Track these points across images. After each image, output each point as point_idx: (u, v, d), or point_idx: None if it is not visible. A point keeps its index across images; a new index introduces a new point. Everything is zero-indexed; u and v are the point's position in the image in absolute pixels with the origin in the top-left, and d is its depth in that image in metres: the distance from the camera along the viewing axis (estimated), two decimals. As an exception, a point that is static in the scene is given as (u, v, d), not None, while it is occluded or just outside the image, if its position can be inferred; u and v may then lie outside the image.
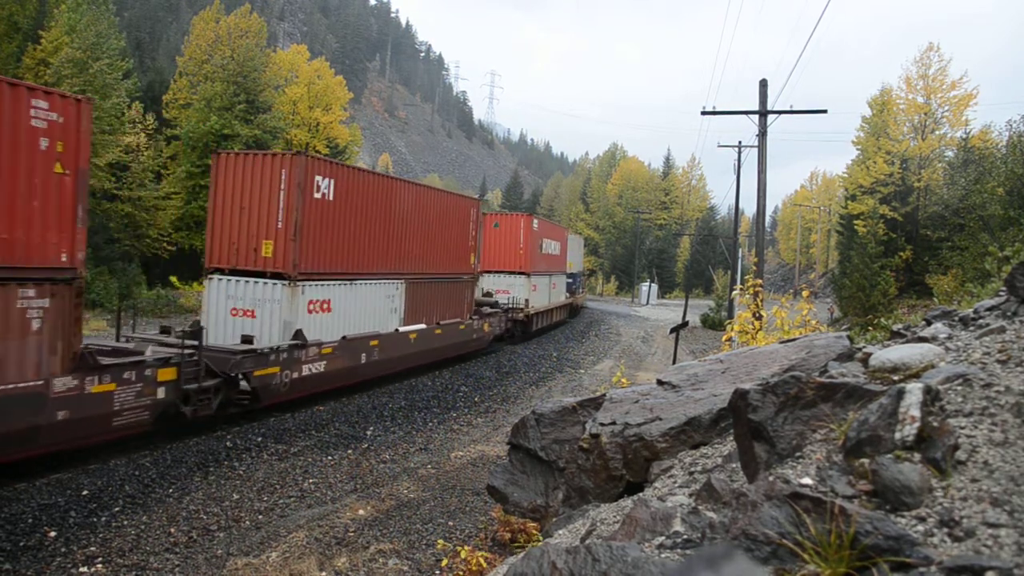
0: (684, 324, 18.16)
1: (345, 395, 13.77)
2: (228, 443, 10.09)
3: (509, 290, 23.80)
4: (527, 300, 24.00)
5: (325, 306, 12.98)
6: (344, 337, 13.23)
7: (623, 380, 10.84)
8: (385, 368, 14.74)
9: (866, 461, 1.99)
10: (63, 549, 6.49)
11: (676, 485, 3.37)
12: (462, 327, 18.24)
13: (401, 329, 15.29)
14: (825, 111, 19.48)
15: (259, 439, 10.43)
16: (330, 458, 9.77)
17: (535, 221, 25.68)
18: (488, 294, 23.11)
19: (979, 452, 1.86)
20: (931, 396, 2.10)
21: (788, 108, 18.21)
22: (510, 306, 22.94)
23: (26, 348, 7.63)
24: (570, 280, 34.60)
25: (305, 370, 12.00)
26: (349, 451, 10.18)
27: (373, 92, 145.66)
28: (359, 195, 13.93)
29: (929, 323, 3.47)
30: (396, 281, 15.39)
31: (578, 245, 40.65)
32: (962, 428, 1.96)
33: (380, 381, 15.10)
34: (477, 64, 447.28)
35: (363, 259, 14.20)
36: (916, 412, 1.98)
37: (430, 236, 16.87)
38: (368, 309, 14.36)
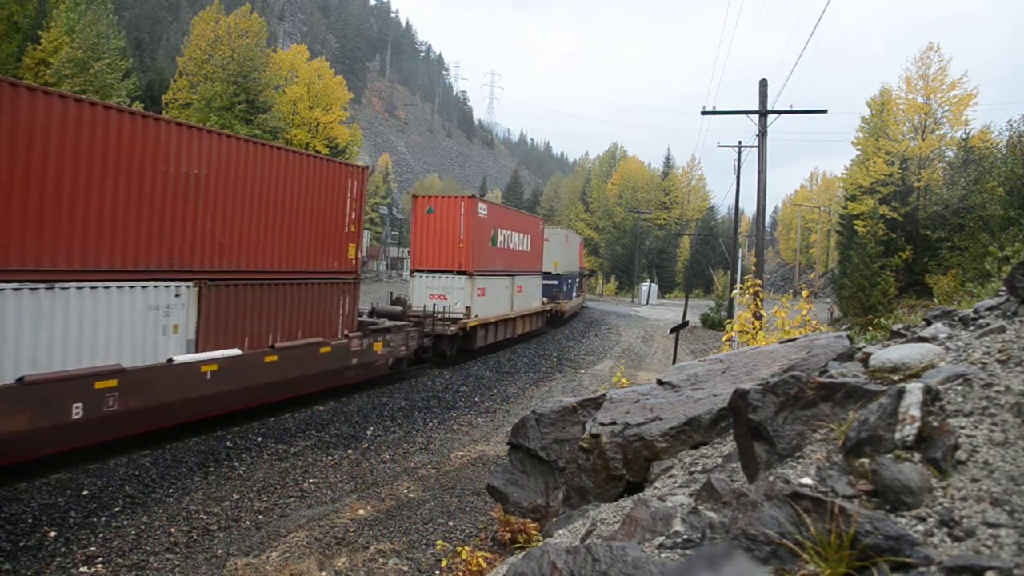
0: (684, 324, 18.15)
1: (333, 398, 13.77)
2: (228, 443, 10.09)
3: (446, 295, 18.49)
4: (468, 308, 18.58)
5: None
6: (21, 380, 7.57)
7: (623, 380, 10.84)
8: (140, 423, 9.19)
9: (866, 461, 1.99)
10: (63, 549, 6.49)
11: (676, 485, 3.37)
12: (326, 350, 12.62)
13: (179, 360, 9.65)
14: (825, 111, 19.49)
15: (259, 439, 10.43)
16: (330, 458, 9.77)
17: (482, 206, 19.69)
18: (399, 300, 18.38)
19: (979, 452, 1.86)
20: (931, 396, 2.10)
21: (788, 108, 18.22)
22: (443, 315, 17.84)
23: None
24: (552, 283, 30.15)
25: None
26: (349, 451, 10.18)
27: (373, 92, 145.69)
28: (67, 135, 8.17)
29: (929, 323, 3.47)
30: (173, 283, 9.68)
31: (565, 241, 33.94)
32: (962, 428, 1.96)
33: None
34: (477, 64, 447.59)
35: (80, 244, 8.39)
36: (916, 412, 1.98)
37: (261, 215, 11.31)
38: (96, 329, 8.58)
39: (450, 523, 7.45)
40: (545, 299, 28.31)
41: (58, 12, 28.07)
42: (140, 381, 8.98)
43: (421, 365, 17.47)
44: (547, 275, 29.59)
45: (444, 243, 18.79)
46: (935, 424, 1.99)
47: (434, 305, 17.91)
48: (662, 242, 72.46)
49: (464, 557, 5.16)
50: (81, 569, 6.16)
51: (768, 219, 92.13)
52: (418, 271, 19.01)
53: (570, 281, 34.55)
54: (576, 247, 38.55)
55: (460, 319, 18.32)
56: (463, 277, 18.70)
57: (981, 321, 3.10)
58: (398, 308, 17.23)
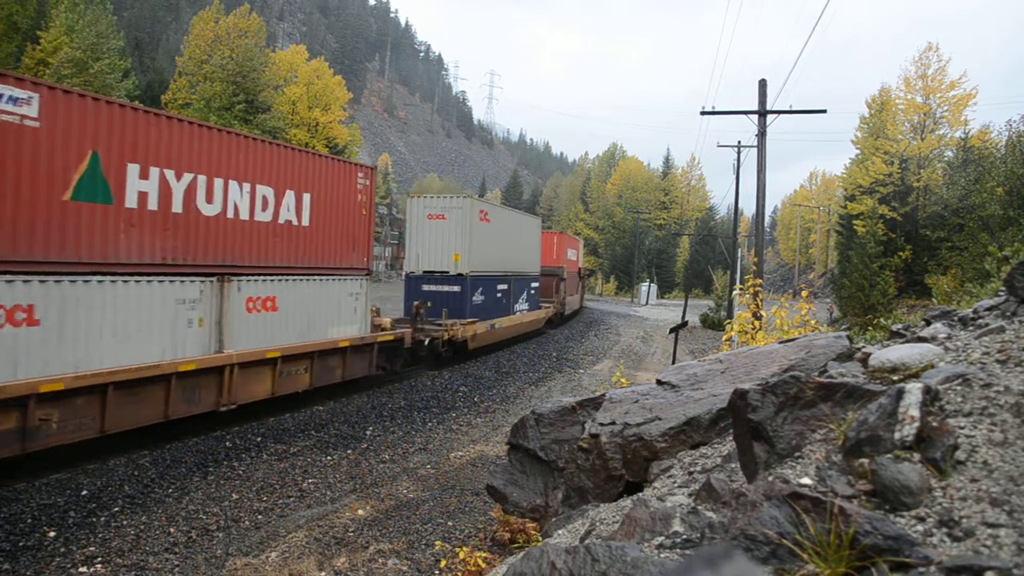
0: (683, 324, 18.12)
1: (344, 395, 13.78)
2: (227, 443, 10.09)
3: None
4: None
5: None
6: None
7: (622, 380, 10.84)
8: None
9: (865, 461, 1.99)
10: (62, 549, 6.49)
11: (675, 485, 3.37)
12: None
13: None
14: (824, 111, 19.50)
15: (258, 439, 10.43)
16: (329, 458, 9.77)
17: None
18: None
19: (978, 452, 1.86)
20: (930, 396, 2.10)
21: (787, 108, 18.23)
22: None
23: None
24: (444, 289, 17.76)
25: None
26: (348, 451, 10.18)
27: (372, 92, 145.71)
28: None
29: (928, 323, 3.47)
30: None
31: (500, 222, 20.87)
32: (961, 428, 1.96)
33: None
34: (477, 64, 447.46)
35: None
36: (915, 412, 1.98)
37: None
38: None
39: (449, 523, 7.45)
40: (437, 319, 16.49)
41: (57, 12, 28.07)
42: None
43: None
44: (433, 276, 17.82)
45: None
46: (934, 424, 1.99)
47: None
48: (661, 242, 72.50)
49: (463, 557, 5.16)
50: (80, 569, 6.16)
51: (768, 219, 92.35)
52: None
53: (523, 284, 23.08)
54: (536, 232, 25.37)
55: None
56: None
57: (980, 321, 3.10)
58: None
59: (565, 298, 31.58)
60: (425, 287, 17.66)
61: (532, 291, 24.31)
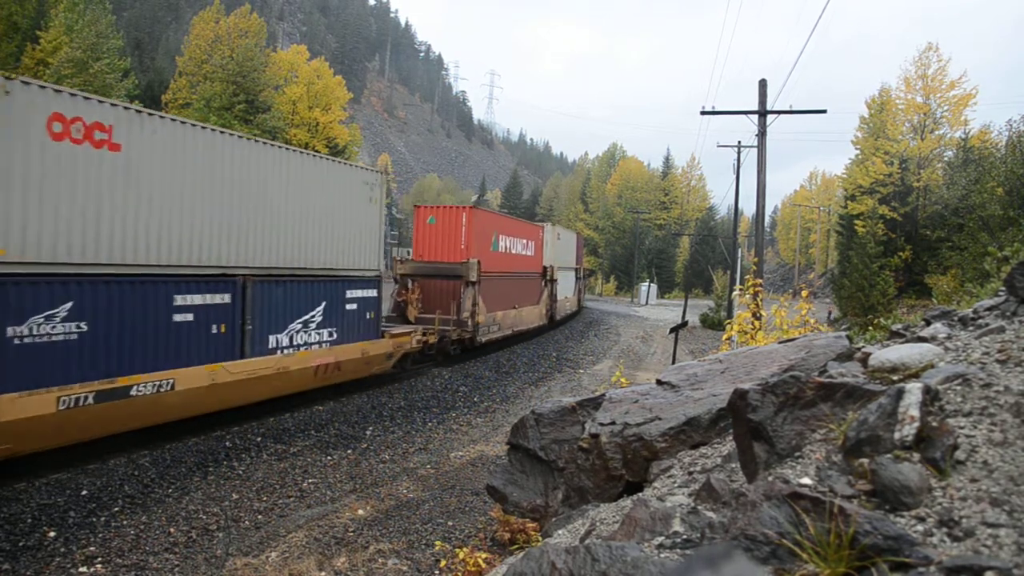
0: (683, 324, 18.15)
1: (344, 394, 13.78)
2: (227, 443, 10.09)
3: None
4: None
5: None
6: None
7: (622, 380, 10.84)
8: None
9: (865, 461, 1.99)
10: (62, 549, 6.49)
11: (675, 485, 3.37)
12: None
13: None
14: (824, 111, 19.48)
15: (258, 439, 10.43)
16: (329, 458, 9.77)
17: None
18: None
19: (978, 452, 1.86)
20: (930, 396, 2.10)
21: (787, 108, 18.22)
22: None
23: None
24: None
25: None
26: (348, 451, 10.18)
27: (372, 92, 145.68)
28: None
29: (928, 323, 3.47)
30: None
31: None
32: (961, 428, 1.96)
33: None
34: (477, 64, 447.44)
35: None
36: (915, 412, 1.98)
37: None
38: None
39: (449, 523, 7.45)
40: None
41: (57, 12, 28.06)
42: None
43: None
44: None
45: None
46: (934, 424, 1.99)
47: None
48: (661, 242, 72.49)
49: (463, 557, 5.16)
50: (80, 569, 6.16)
51: (768, 219, 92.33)
52: None
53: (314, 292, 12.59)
54: (358, 189, 14.31)
55: None
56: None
57: (980, 321, 3.10)
58: None
59: (555, 304, 27.08)
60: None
61: (356, 305, 13.44)
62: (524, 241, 23.38)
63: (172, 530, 7.04)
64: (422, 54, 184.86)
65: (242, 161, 10.79)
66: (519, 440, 5.08)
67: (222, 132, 10.69)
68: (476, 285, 18.22)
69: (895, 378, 2.54)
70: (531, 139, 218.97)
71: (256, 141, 11.26)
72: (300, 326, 12.08)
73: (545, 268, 26.09)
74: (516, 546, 4.57)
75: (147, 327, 9.06)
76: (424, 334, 16.25)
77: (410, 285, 18.14)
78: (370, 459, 9.86)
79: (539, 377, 17.48)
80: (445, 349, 17.54)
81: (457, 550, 5.71)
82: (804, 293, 11.97)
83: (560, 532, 3.87)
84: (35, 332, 7.66)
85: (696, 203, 77.12)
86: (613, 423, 4.48)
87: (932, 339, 2.98)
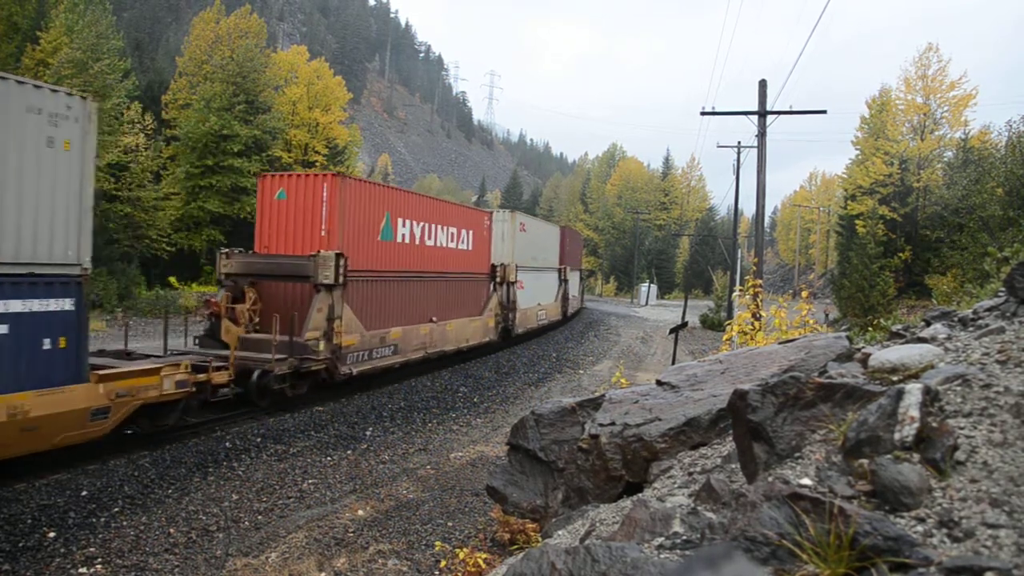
0: (683, 324, 18.14)
1: (344, 395, 13.78)
2: (227, 444, 10.09)
3: None
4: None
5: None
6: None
7: (622, 380, 10.84)
8: None
9: (865, 461, 1.99)
10: (62, 550, 6.49)
11: (675, 486, 3.37)
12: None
13: None
14: (824, 111, 19.51)
15: (258, 440, 10.42)
16: (329, 459, 9.76)
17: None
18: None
19: (978, 452, 1.86)
20: (930, 396, 2.10)
21: (787, 109, 18.24)
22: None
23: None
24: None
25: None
26: (348, 452, 10.17)
27: (372, 92, 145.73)
28: None
29: (928, 324, 3.47)
30: None
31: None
32: (961, 428, 1.96)
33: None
34: (477, 64, 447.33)
35: None
36: (915, 412, 1.98)
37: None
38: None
39: (449, 524, 7.45)
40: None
41: (57, 12, 28.04)
42: None
43: None
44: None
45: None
46: (934, 425, 1.99)
47: None
48: (661, 242, 72.49)
49: (463, 558, 5.16)
50: (80, 570, 6.16)
51: (768, 219, 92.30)
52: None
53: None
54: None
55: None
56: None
57: (980, 322, 3.10)
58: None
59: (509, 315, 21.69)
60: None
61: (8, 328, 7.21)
62: (454, 230, 17.82)
63: (172, 531, 7.04)
64: (422, 54, 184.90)
65: None
66: (519, 441, 5.08)
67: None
68: (335, 290, 12.46)
69: (895, 379, 2.54)
70: (531, 139, 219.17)
71: None
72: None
73: (494, 267, 20.67)
74: (516, 547, 4.57)
75: None
76: (200, 369, 10.07)
77: (245, 291, 12.73)
78: (370, 460, 9.85)
79: (539, 378, 17.48)
80: (266, 387, 11.47)
81: (457, 550, 5.71)
82: (804, 294, 11.96)
83: (560, 533, 3.87)
84: None
85: (696, 203, 77.12)
86: (613, 424, 4.48)
87: (932, 340, 2.98)
